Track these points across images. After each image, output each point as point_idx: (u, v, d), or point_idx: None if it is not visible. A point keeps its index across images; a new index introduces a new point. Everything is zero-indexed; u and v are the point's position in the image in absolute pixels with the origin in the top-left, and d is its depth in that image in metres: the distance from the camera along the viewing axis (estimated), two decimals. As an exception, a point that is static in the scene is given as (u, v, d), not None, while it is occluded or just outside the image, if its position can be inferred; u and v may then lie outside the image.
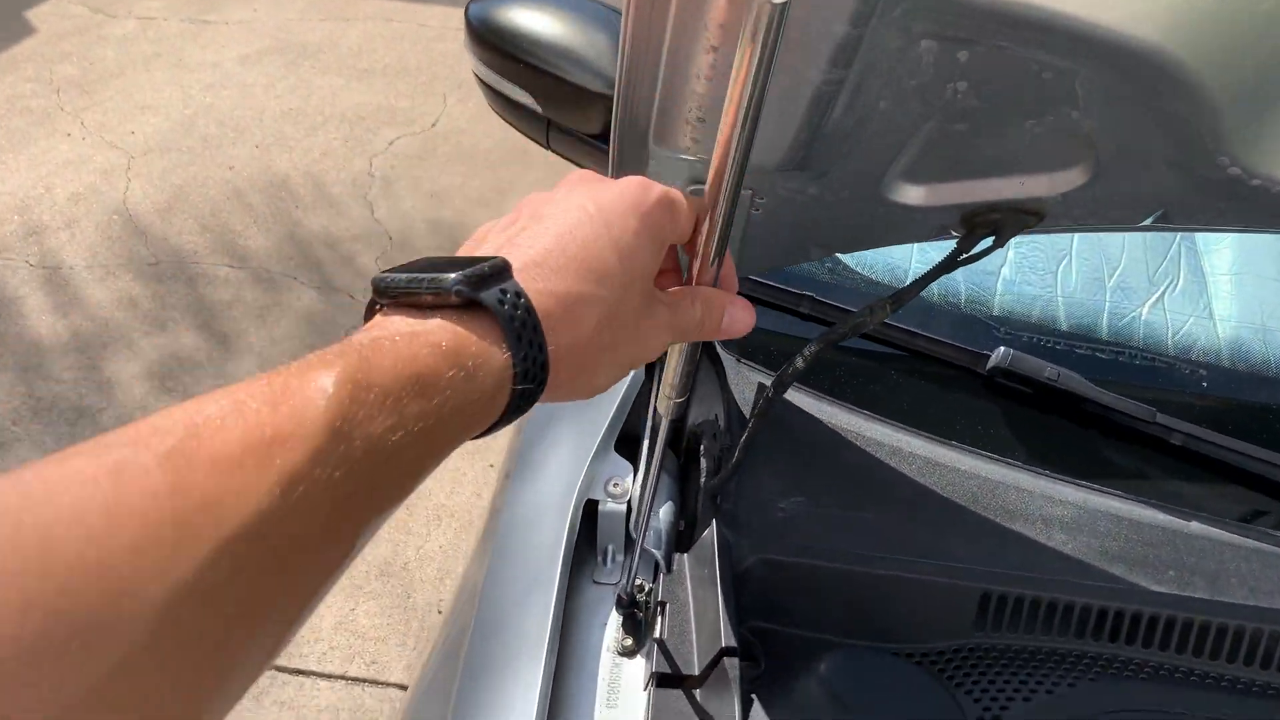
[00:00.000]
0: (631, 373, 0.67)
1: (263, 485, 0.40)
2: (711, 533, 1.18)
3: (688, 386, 0.93)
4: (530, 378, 0.54)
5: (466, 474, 3.01)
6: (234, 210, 4.05)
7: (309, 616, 0.46)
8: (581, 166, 1.59)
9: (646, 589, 1.21)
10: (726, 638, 1.07)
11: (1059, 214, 1.00)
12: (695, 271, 0.80)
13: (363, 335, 0.51)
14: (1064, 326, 1.40)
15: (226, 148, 4.45)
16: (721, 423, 1.31)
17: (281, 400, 0.43)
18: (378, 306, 0.55)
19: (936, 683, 1.09)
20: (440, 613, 2.58)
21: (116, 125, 4.53)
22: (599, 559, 1.27)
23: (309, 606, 0.45)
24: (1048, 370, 1.28)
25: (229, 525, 0.39)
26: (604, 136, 1.48)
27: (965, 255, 1.03)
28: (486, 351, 0.52)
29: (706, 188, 0.75)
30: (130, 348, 3.37)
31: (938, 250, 1.43)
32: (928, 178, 0.97)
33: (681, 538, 1.27)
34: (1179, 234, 1.47)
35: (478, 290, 0.52)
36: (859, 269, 1.44)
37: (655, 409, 1.03)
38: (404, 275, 0.54)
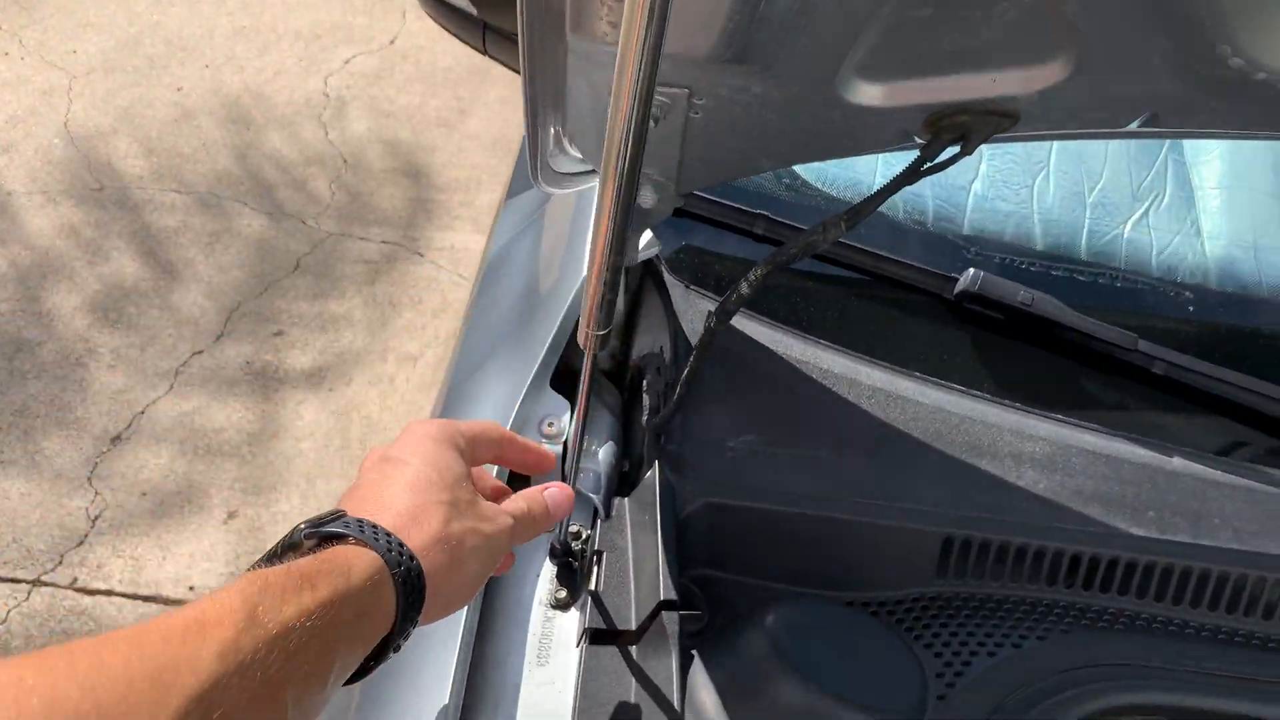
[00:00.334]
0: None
1: (206, 654, 0.54)
2: (654, 475, 1.08)
3: (610, 317, 0.82)
4: (402, 566, 0.68)
5: (425, 410, 2.91)
6: (181, 133, 3.87)
7: None
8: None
9: (584, 536, 1.11)
10: (666, 590, 0.97)
11: (1035, 116, 0.88)
12: (605, 198, 0.69)
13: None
14: (1040, 246, 1.29)
15: (174, 68, 4.24)
16: (667, 355, 1.21)
17: (205, 598, 0.58)
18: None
19: (893, 635, 1.00)
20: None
21: (57, 44, 4.31)
22: (533, 503, 1.17)
23: None
24: (1021, 294, 1.18)
25: (188, 685, 0.53)
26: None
27: (929, 164, 0.91)
28: (356, 553, 0.67)
29: (613, 82, 0.63)
30: (72, 278, 3.22)
31: (905, 163, 1.31)
32: (887, 74, 0.85)
33: (625, 480, 1.18)
34: (1167, 143, 1.35)
35: (320, 528, 0.68)
36: (819, 185, 1.32)
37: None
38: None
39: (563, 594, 1.07)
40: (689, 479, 1.10)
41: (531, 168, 1.02)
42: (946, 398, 1.15)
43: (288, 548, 0.68)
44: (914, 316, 1.25)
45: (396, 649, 0.71)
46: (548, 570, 1.09)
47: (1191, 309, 1.28)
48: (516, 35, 1.58)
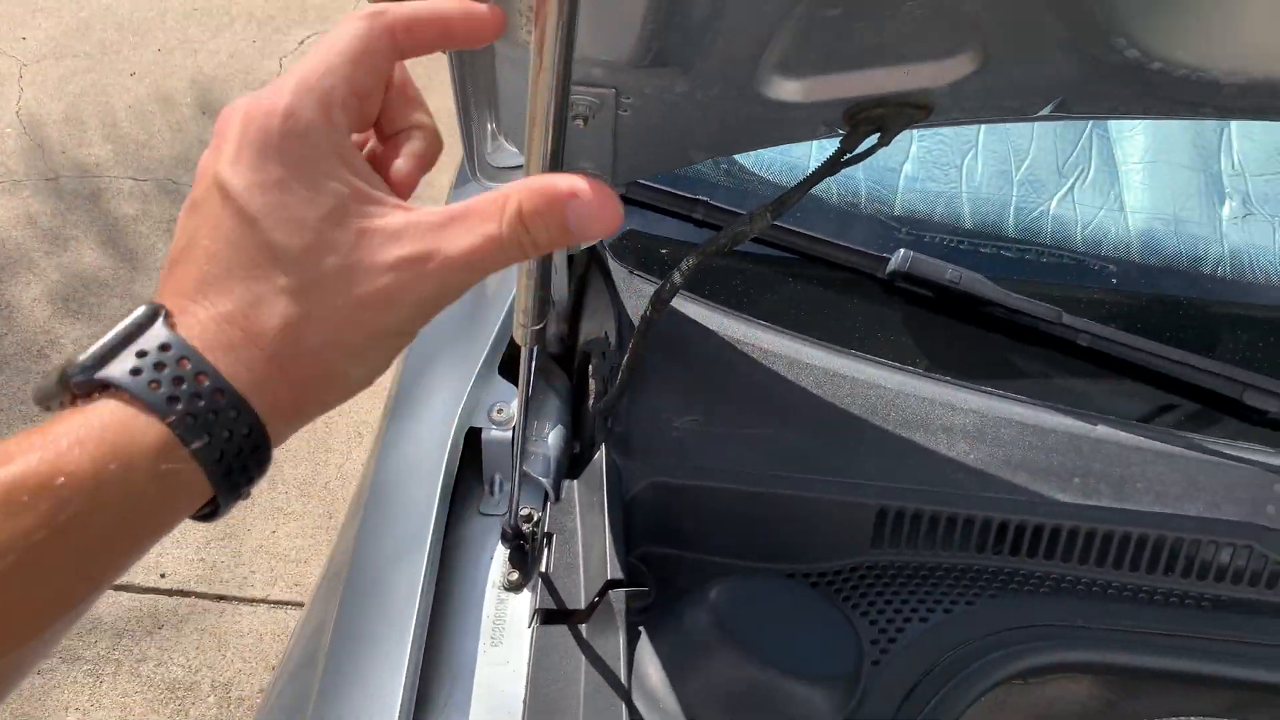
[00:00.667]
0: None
1: None
2: (600, 458, 1.12)
3: (543, 313, 0.85)
4: (212, 435, 0.45)
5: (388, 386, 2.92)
6: (136, 119, 3.85)
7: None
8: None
9: (535, 519, 1.15)
10: (613, 569, 1.01)
11: (949, 106, 0.91)
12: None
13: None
14: (969, 224, 1.33)
15: (127, 52, 4.20)
16: (612, 340, 1.24)
17: None
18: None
19: (831, 605, 1.04)
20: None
21: (6, 30, 4.26)
22: (486, 489, 1.20)
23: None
24: (949, 272, 1.22)
25: None
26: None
27: (850, 155, 0.94)
28: (128, 419, 0.44)
29: (529, 91, 0.66)
30: (30, 269, 3.21)
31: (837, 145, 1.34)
32: (804, 71, 0.88)
33: (575, 462, 1.21)
34: (1090, 121, 1.39)
35: (91, 372, 0.45)
36: (756, 169, 1.35)
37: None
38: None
39: (515, 576, 1.11)
40: (635, 460, 1.14)
41: (469, 163, 1.05)
42: (881, 374, 1.19)
43: (57, 388, 0.46)
44: (849, 296, 1.29)
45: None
46: (500, 553, 1.12)
47: (1115, 280, 1.33)
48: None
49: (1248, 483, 1.14)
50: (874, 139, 0.94)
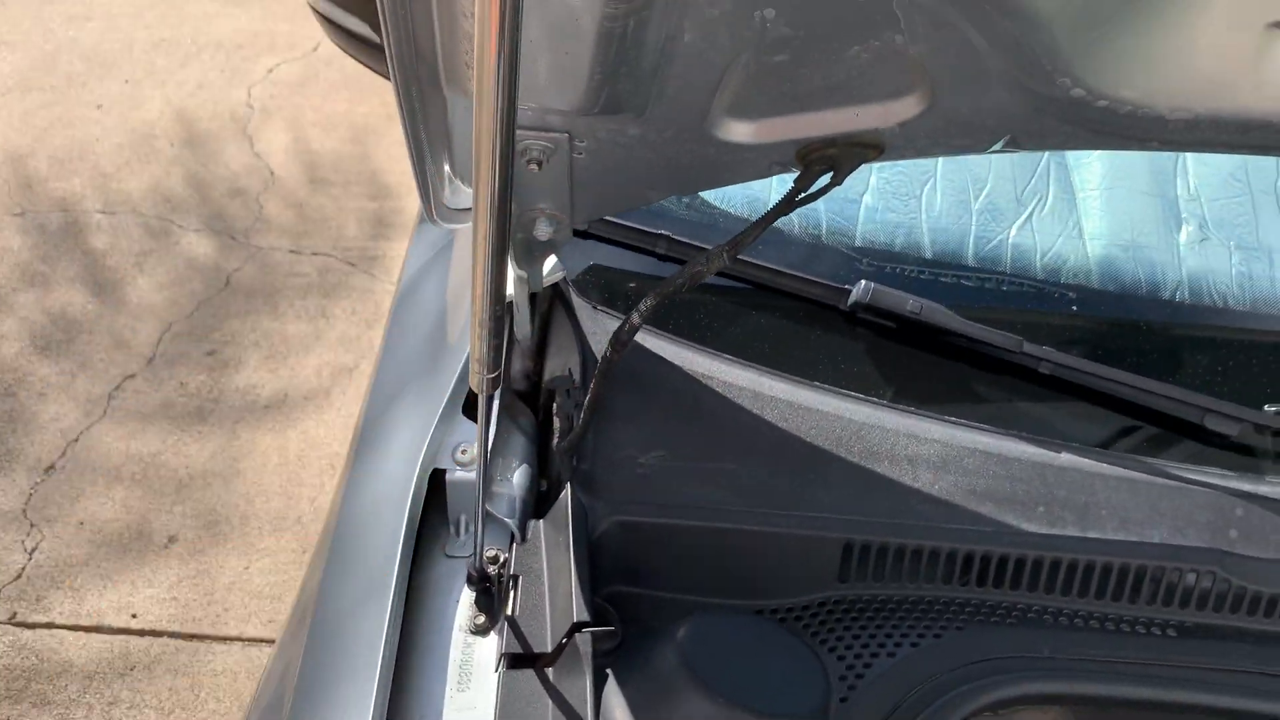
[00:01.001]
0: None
1: None
2: (566, 497, 1.12)
3: (499, 361, 0.85)
4: None
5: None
6: (104, 151, 3.83)
7: None
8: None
9: (501, 560, 1.14)
10: (579, 611, 1.01)
11: (900, 145, 0.92)
12: (478, 255, 0.72)
13: None
14: (929, 254, 1.33)
15: (93, 85, 4.18)
16: (576, 377, 1.24)
17: None
18: None
19: (798, 641, 1.04)
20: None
21: (-29, 65, 4.23)
22: (451, 530, 1.19)
23: None
24: (910, 303, 1.22)
25: None
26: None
27: (804, 194, 0.95)
28: None
29: (474, 135, 0.66)
30: (2, 303, 3.18)
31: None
32: (754, 113, 0.89)
33: (542, 499, 1.21)
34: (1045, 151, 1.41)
35: None
36: (717, 203, 1.36)
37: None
38: None
39: (481, 619, 1.10)
40: (601, 498, 1.14)
41: (426, 208, 1.04)
42: (845, 405, 1.19)
43: None
44: (812, 327, 1.29)
45: None
46: (467, 596, 1.12)
47: (1075, 307, 1.34)
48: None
49: (1210, 506, 1.15)
50: (827, 178, 0.94)
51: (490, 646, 1.08)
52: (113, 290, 3.27)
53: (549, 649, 1.01)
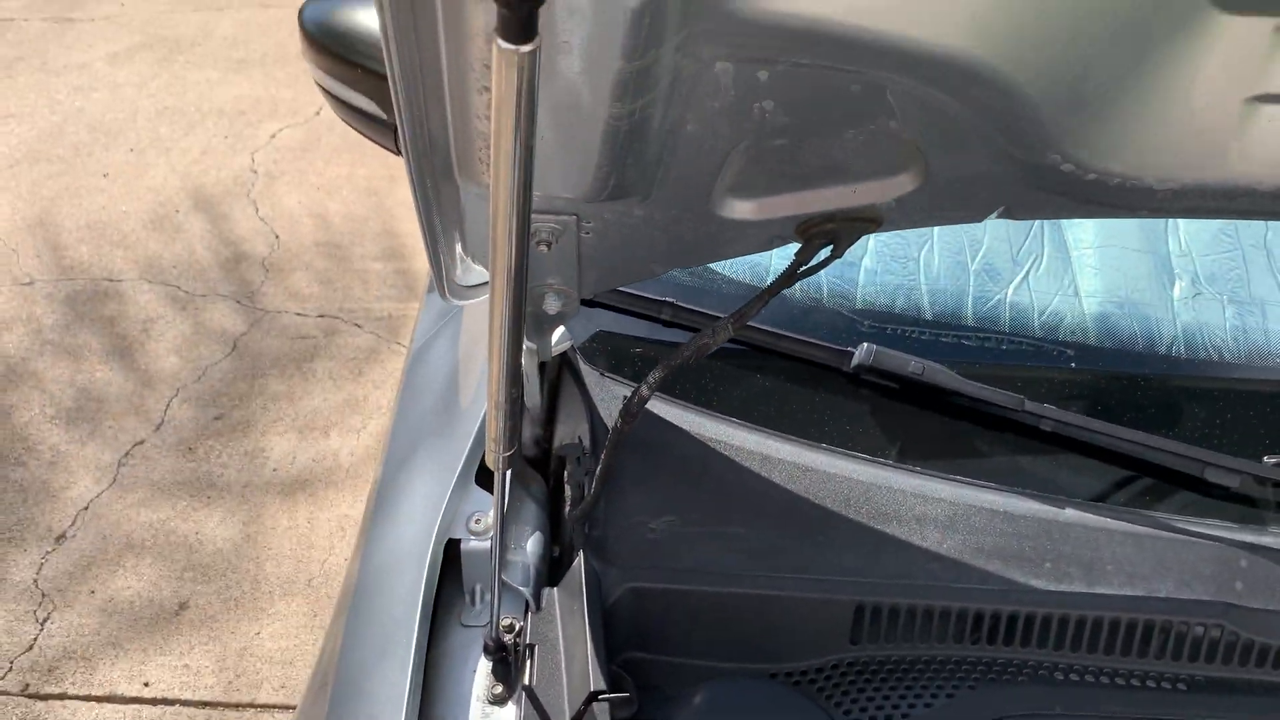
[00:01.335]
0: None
1: None
2: (579, 564, 1.13)
3: (515, 439, 0.87)
4: None
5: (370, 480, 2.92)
6: (110, 220, 3.88)
7: None
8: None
9: (516, 629, 1.15)
10: (595, 680, 1.02)
11: (897, 218, 0.95)
12: (494, 341, 0.74)
13: None
14: (929, 315, 1.36)
15: (99, 154, 4.25)
16: (585, 444, 1.26)
17: None
18: None
19: (812, 704, 1.05)
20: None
21: (-21, 137, 4.30)
22: (467, 600, 1.21)
23: None
24: (912, 364, 1.25)
25: None
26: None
27: (805, 267, 0.98)
28: None
29: (489, 230, 0.69)
30: (5, 375, 3.21)
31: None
32: (756, 192, 0.92)
33: (555, 565, 1.22)
34: (1037, 214, 1.44)
35: None
36: (720, 270, 1.39)
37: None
38: None
39: (499, 689, 1.11)
40: (612, 565, 1.15)
41: (439, 286, 1.07)
42: (852, 466, 1.21)
43: None
44: (816, 390, 1.31)
45: None
46: (484, 666, 1.13)
47: (1074, 364, 1.36)
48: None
49: (1214, 559, 1.17)
50: (828, 250, 0.97)
51: (509, 716, 1.09)
52: (121, 357, 3.30)
53: (567, 718, 1.02)
